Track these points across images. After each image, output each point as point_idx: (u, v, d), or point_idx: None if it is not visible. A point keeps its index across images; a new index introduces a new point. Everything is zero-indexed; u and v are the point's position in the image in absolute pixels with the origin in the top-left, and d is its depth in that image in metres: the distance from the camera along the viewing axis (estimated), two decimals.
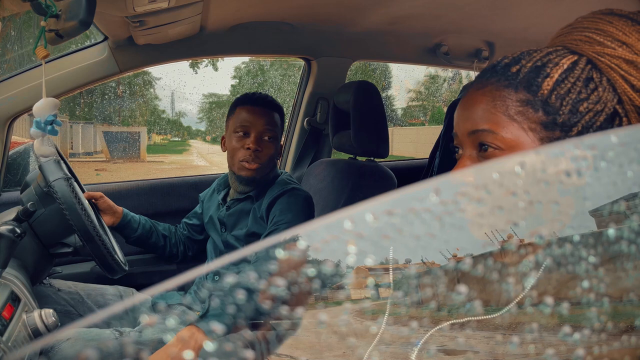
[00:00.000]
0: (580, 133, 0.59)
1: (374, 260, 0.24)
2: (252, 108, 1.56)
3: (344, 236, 0.22)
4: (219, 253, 1.63)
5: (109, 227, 1.59)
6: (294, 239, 0.24)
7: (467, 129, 0.64)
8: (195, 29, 1.65)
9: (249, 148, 1.52)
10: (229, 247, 1.59)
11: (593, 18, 0.63)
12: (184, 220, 1.81)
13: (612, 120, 0.60)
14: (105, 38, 1.65)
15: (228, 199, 1.64)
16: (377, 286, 0.35)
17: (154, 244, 1.72)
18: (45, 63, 1.20)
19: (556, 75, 0.60)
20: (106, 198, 1.60)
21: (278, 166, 1.67)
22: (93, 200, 1.56)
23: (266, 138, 1.54)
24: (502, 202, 0.27)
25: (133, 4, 1.20)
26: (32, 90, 1.58)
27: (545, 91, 0.60)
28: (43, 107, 1.15)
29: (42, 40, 1.12)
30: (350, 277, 0.29)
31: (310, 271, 0.25)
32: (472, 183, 0.29)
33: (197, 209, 1.78)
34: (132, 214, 1.67)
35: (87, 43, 1.78)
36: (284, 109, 1.67)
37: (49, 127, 1.15)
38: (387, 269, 0.32)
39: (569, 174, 0.28)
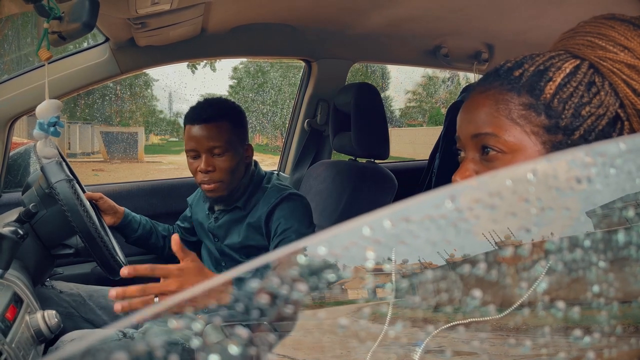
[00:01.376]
0: (582, 137, 0.60)
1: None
2: (192, 127, 1.46)
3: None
4: (215, 260, 1.62)
5: (109, 226, 1.58)
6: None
7: (470, 132, 0.65)
8: (197, 30, 1.66)
9: (200, 171, 1.45)
10: (225, 256, 1.57)
11: (595, 23, 0.64)
12: (177, 223, 1.80)
13: (614, 124, 0.61)
14: (107, 39, 1.65)
15: (216, 208, 1.58)
16: (377, 287, 0.35)
17: (154, 245, 1.71)
18: (48, 64, 1.20)
19: (559, 79, 0.61)
20: (106, 198, 1.60)
21: (278, 164, 1.66)
22: (93, 201, 1.56)
23: (217, 153, 1.45)
24: (514, 208, 0.27)
25: (136, 6, 1.21)
26: (33, 91, 1.58)
27: (548, 95, 0.61)
28: (46, 108, 1.15)
29: (45, 42, 1.12)
30: (349, 278, 0.30)
31: (315, 276, 0.25)
32: (476, 187, 0.30)
33: (187, 212, 1.76)
34: (133, 214, 1.67)
35: (86, 44, 1.78)
36: (284, 111, 1.67)
37: (51, 129, 1.15)
38: (387, 269, 0.33)
39: (579, 181, 0.28)
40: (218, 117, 1.46)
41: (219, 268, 1.59)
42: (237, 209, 1.52)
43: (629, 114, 0.61)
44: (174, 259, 1.78)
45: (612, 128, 0.61)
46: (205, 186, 1.47)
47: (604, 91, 0.60)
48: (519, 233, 0.27)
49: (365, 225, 0.23)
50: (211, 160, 1.45)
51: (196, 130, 1.45)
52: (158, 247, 1.73)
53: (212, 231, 1.58)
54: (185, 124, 1.50)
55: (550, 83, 0.61)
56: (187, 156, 1.50)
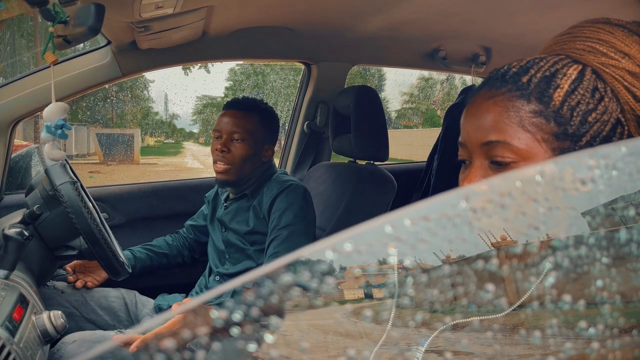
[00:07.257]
0: (588, 143, 0.61)
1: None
2: (226, 112, 1.62)
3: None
4: (219, 254, 1.64)
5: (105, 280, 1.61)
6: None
7: (479, 139, 0.64)
8: (198, 33, 1.67)
9: (217, 149, 1.57)
10: (231, 246, 1.61)
11: (593, 28, 0.65)
12: (189, 223, 1.83)
13: (615, 129, 0.62)
14: (108, 42, 1.66)
15: (230, 196, 1.67)
16: (378, 287, 0.37)
17: (158, 266, 1.76)
18: (53, 67, 1.21)
19: (566, 86, 0.61)
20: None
21: (277, 165, 1.69)
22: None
23: (235, 139, 1.56)
24: (524, 209, 0.29)
25: (140, 10, 1.22)
26: (35, 94, 1.59)
27: (557, 102, 0.61)
28: (53, 111, 1.16)
29: (51, 45, 1.14)
30: (348, 279, 0.31)
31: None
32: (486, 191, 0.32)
33: (204, 209, 1.80)
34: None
35: (87, 46, 1.79)
36: (283, 113, 1.69)
37: (59, 131, 1.17)
38: (390, 269, 0.34)
39: (583, 182, 0.30)
40: (250, 109, 1.60)
41: (222, 261, 1.64)
42: (245, 196, 1.61)
43: (627, 119, 0.62)
44: (181, 266, 1.81)
45: (613, 133, 0.62)
46: (217, 166, 1.58)
47: (608, 97, 0.61)
48: (529, 231, 0.29)
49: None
50: (229, 143, 1.57)
51: (228, 114, 1.60)
52: (163, 265, 1.77)
53: (220, 219, 1.65)
54: (223, 109, 1.65)
55: (559, 90, 0.61)
56: (213, 137, 1.63)
